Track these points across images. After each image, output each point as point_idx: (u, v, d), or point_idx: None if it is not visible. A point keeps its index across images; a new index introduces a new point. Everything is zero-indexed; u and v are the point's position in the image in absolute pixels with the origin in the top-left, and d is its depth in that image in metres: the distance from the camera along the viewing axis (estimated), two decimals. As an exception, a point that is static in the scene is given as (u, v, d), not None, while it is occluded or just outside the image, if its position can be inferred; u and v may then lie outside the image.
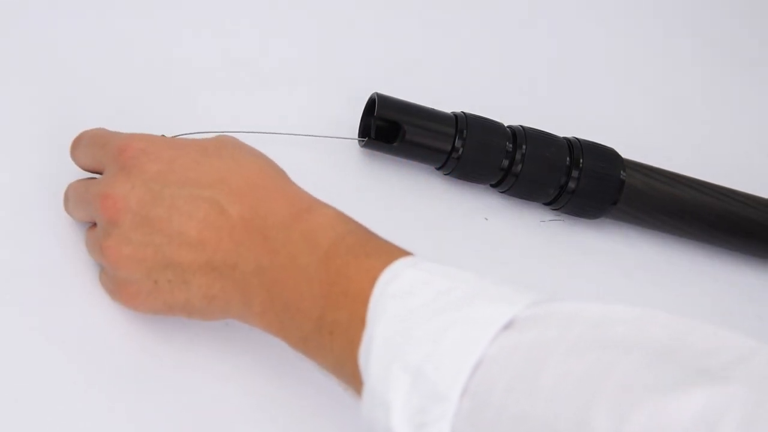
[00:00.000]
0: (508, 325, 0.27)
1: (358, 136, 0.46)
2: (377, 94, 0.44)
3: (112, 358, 0.37)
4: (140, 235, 0.33)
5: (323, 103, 0.47)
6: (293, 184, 0.35)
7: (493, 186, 0.47)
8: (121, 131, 0.36)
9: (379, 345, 0.28)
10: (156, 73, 0.45)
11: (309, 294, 0.31)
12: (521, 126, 0.47)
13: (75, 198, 0.37)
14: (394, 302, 0.29)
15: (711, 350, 0.25)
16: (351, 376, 0.30)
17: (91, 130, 0.37)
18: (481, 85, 0.53)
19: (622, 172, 0.47)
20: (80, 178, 0.38)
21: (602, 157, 0.47)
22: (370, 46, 0.52)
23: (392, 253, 0.31)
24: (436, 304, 0.28)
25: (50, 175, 0.39)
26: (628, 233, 0.52)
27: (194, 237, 0.33)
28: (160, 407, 0.37)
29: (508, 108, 0.49)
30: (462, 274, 0.30)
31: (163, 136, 0.37)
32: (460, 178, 0.47)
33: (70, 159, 0.38)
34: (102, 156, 0.35)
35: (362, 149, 0.46)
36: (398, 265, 0.30)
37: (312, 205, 0.34)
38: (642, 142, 0.54)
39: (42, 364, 0.36)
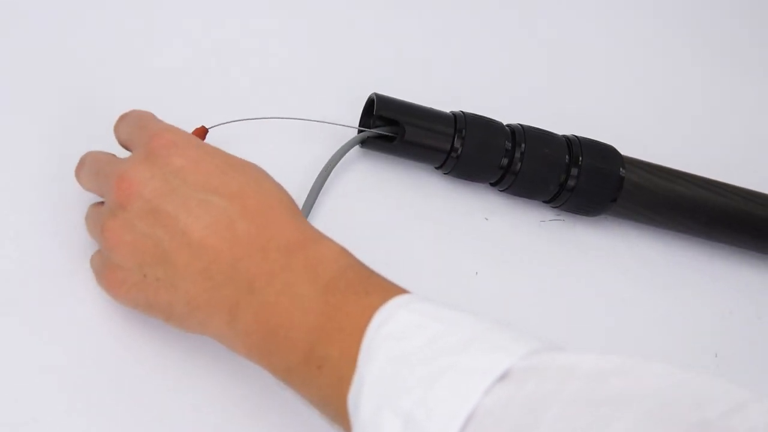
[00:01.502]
0: (504, 376, 0.26)
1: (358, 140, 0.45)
2: (376, 94, 0.44)
3: (113, 360, 0.37)
4: (145, 224, 0.33)
5: (322, 103, 0.47)
6: (305, 218, 0.35)
7: (493, 185, 0.47)
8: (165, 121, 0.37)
9: (370, 387, 0.28)
10: (156, 72, 0.45)
11: (302, 324, 0.31)
12: (520, 124, 0.47)
13: (92, 167, 0.36)
14: (387, 344, 0.28)
15: (706, 400, 0.24)
16: (336, 414, 0.30)
17: (140, 111, 0.37)
18: (479, 83, 0.53)
19: (621, 169, 0.47)
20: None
21: (601, 154, 0.47)
22: (369, 46, 0.52)
23: (390, 291, 0.31)
24: (430, 349, 0.28)
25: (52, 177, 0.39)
26: (627, 231, 0.52)
27: (196, 241, 0.32)
28: (159, 408, 0.37)
29: (507, 107, 0.49)
30: (457, 317, 0.29)
31: (199, 134, 0.38)
32: (460, 177, 0.47)
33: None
34: (137, 137, 0.35)
35: (361, 149, 0.46)
36: (392, 305, 0.30)
37: (318, 237, 0.33)
38: (641, 139, 0.54)
39: (43, 365, 0.36)
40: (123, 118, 0.37)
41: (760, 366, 0.49)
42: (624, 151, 0.49)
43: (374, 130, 0.44)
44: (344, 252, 0.33)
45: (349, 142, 0.44)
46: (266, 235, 0.32)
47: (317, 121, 0.45)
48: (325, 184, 0.44)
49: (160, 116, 0.38)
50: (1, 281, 0.37)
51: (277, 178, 0.41)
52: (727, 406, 0.24)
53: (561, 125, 0.48)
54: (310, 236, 0.33)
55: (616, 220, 0.51)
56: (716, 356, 0.49)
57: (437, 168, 0.46)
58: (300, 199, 0.43)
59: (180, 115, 0.43)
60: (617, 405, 0.24)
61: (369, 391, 0.28)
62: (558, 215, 0.50)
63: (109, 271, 0.34)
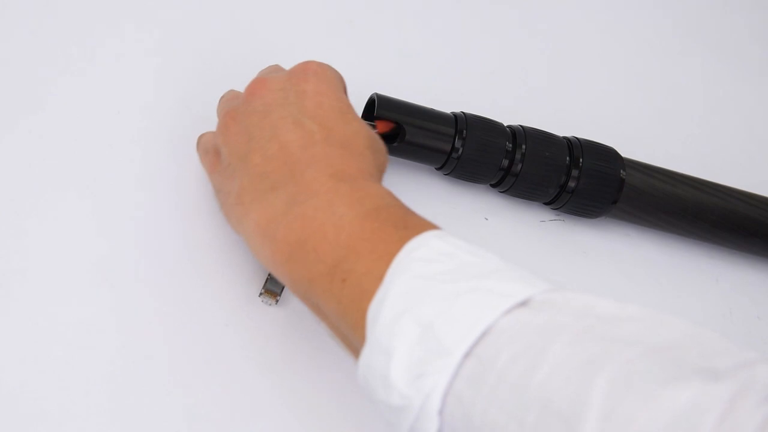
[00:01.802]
0: (524, 304, 0.28)
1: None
2: (377, 94, 0.44)
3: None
4: (250, 121, 0.37)
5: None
6: (375, 167, 0.37)
7: (493, 186, 0.48)
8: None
9: (394, 297, 0.29)
10: (156, 72, 0.46)
11: (333, 240, 0.32)
12: (521, 126, 0.47)
13: (232, 91, 0.42)
14: (416, 264, 0.29)
15: (714, 353, 0.25)
16: (352, 327, 0.31)
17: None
18: (480, 84, 0.53)
19: (621, 171, 0.47)
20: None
21: (602, 156, 0.47)
22: (369, 46, 0.52)
23: (427, 227, 0.32)
24: (458, 273, 0.29)
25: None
26: (628, 232, 0.52)
27: (273, 149, 0.35)
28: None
29: (507, 107, 0.49)
30: (486, 253, 0.31)
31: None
32: (460, 178, 0.47)
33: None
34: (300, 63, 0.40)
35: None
36: (427, 235, 0.31)
37: (373, 178, 0.36)
38: (641, 141, 0.54)
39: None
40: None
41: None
42: (624, 152, 0.49)
43: (374, 131, 0.44)
44: (392, 194, 0.35)
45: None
46: (329, 162, 0.35)
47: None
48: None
49: (158, 115, 0.39)
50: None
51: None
52: (736, 360, 0.25)
53: (561, 126, 0.48)
54: (367, 176, 0.35)
55: (616, 220, 0.51)
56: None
57: (438, 169, 0.46)
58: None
59: (179, 115, 0.44)
60: (627, 343, 0.25)
61: (392, 301, 0.29)
62: (558, 215, 0.50)
63: (211, 154, 0.39)
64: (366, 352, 0.29)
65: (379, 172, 0.37)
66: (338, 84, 0.39)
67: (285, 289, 0.41)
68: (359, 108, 0.46)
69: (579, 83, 0.57)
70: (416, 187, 0.48)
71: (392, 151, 0.45)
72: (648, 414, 0.23)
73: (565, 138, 0.48)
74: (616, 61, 0.60)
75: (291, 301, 0.41)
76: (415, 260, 0.30)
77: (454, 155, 0.45)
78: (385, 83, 0.46)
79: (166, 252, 0.41)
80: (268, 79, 0.38)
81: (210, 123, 0.42)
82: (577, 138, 0.48)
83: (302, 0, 0.52)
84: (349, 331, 0.31)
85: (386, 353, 0.28)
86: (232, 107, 0.38)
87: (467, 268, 0.29)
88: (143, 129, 0.44)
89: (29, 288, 0.38)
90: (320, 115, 0.36)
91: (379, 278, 0.30)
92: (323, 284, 0.32)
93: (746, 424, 0.22)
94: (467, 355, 0.27)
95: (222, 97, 0.42)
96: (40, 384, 0.36)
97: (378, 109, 0.43)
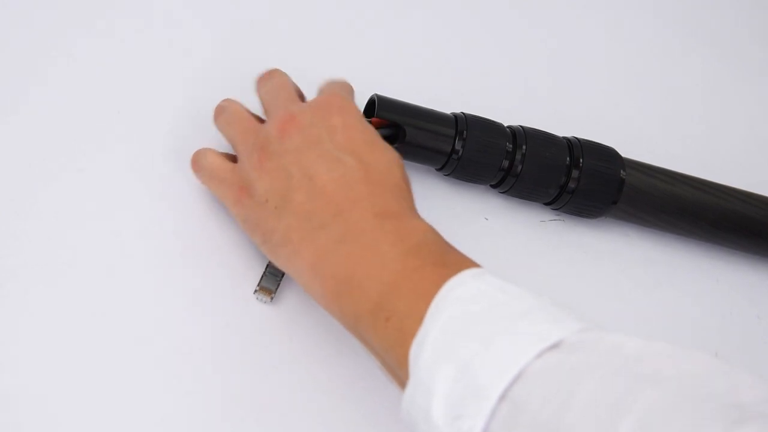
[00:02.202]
0: (556, 345, 0.29)
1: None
2: (377, 95, 0.44)
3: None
4: (288, 160, 0.37)
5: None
6: (412, 197, 0.39)
7: (494, 186, 0.48)
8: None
9: (434, 339, 0.30)
10: (156, 71, 0.46)
11: (377, 277, 0.34)
12: (521, 126, 0.47)
13: (240, 112, 0.41)
14: (454, 305, 0.31)
15: (740, 389, 0.26)
16: (398, 363, 0.32)
17: (343, 82, 0.43)
18: (480, 84, 0.53)
19: (622, 171, 0.47)
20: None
21: (602, 156, 0.47)
22: (369, 47, 0.52)
23: (466, 265, 0.34)
24: (493, 313, 0.30)
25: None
26: (628, 233, 0.52)
27: (318, 186, 0.36)
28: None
29: (507, 108, 0.49)
30: (521, 292, 0.32)
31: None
32: (461, 179, 0.47)
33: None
34: (323, 93, 0.41)
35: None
36: (465, 275, 0.32)
37: (415, 215, 0.38)
38: (641, 141, 0.54)
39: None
40: (333, 81, 0.43)
41: (760, 366, 0.49)
42: (624, 153, 0.49)
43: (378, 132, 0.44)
44: (433, 229, 0.36)
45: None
46: (373, 201, 0.36)
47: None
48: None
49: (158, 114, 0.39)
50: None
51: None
52: (763, 395, 0.25)
53: (561, 127, 0.48)
54: (408, 212, 0.37)
55: (616, 220, 0.51)
56: (716, 356, 0.49)
57: (438, 170, 0.46)
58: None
59: (178, 116, 0.44)
60: (654, 380, 0.26)
61: (432, 342, 0.30)
62: (558, 215, 0.50)
63: (239, 187, 0.39)
64: (410, 387, 0.31)
65: (412, 199, 0.39)
66: (357, 109, 0.40)
67: (280, 286, 0.41)
68: (359, 108, 0.46)
69: (579, 83, 0.57)
70: (416, 189, 0.47)
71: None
72: None
73: (565, 138, 0.48)
74: (616, 61, 0.60)
75: (286, 298, 0.41)
76: (453, 301, 0.31)
77: (455, 156, 0.45)
78: (384, 84, 0.46)
79: (161, 250, 0.41)
80: (297, 116, 0.39)
81: (208, 123, 0.42)
82: (577, 138, 0.48)
83: (302, 1, 0.52)
84: (395, 367, 0.33)
85: (428, 391, 0.30)
86: (262, 142, 0.39)
87: (503, 308, 0.31)
88: (141, 129, 0.44)
89: (28, 289, 0.38)
90: (354, 149, 0.38)
91: (419, 318, 0.31)
92: (369, 321, 0.34)
93: None
94: (502, 397, 0.28)
95: (224, 117, 0.42)
96: (39, 384, 0.36)
97: (378, 110, 0.43)
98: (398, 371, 0.33)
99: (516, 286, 0.32)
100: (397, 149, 0.44)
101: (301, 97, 0.43)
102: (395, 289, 0.33)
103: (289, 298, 0.41)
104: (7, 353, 0.36)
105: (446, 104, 0.46)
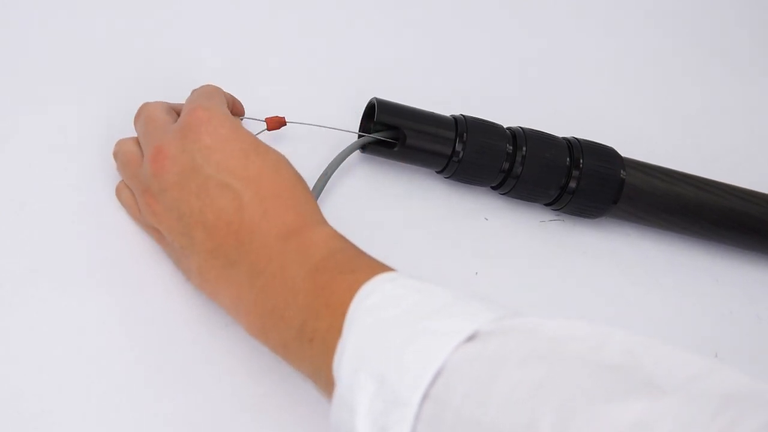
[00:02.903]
0: (471, 338, 0.28)
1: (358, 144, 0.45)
2: (376, 99, 0.44)
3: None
4: (171, 198, 0.36)
5: (322, 107, 0.47)
6: (310, 197, 0.37)
7: (494, 188, 0.47)
8: (214, 98, 0.39)
9: (350, 353, 0.29)
10: (159, 71, 0.46)
11: (293, 303, 0.33)
12: (520, 127, 0.46)
13: (144, 126, 0.39)
14: (368, 314, 0.30)
15: (663, 368, 0.25)
16: (326, 383, 0.31)
17: (210, 86, 0.41)
18: (479, 86, 0.53)
19: (622, 171, 0.47)
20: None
21: (602, 156, 0.47)
22: (369, 50, 0.52)
23: (376, 269, 0.33)
24: (406, 317, 0.29)
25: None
26: (628, 232, 0.52)
27: (210, 222, 0.35)
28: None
29: (507, 108, 0.49)
30: (435, 290, 0.31)
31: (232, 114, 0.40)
32: (461, 181, 0.47)
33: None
34: (187, 104, 0.39)
35: (362, 155, 0.46)
36: (377, 281, 0.31)
37: (316, 223, 0.36)
38: (641, 141, 0.54)
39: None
40: (194, 90, 0.40)
41: (760, 366, 0.49)
42: (624, 152, 0.49)
43: (375, 136, 0.44)
44: (336, 236, 0.35)
45: (348, 147, 0.44)
46: (270, 222, 0.35)
47: (320, 126, 0.45)
48: (326, 188, 0.44)
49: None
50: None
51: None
52: (685, 373, 0.25)
53: (561, 127, 0.48)
54: (309, 222, 0.36)
55: (615, 220, 0.51)
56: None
57: (438, 172, 0.46)
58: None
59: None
60: (572, 362, 0.26)
61: (348, 356, 0.29)
62: (558, 216, 0.50)
63: (153, 230, 0.39)
64: (334, 406, 0.30)
65: (307, 192, 0.37)
66: (227, 115, 0.37)
67: None
68: (359, 112, 0.46)
69: (578, 84, 0.57)
70: (417, 191, 0.48)
71: (393, 156, 0.45)
72: None
73: (564, 139, 0.48)
74: (615, 61, 0.60)
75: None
76: (366, 309, 0.30)
77: (455, 159, 0.44)
78: (383, 87, 0.46)
79: (161, 252, 0.41)
80: (164, 146, 0.36)
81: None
82: (576, 138, 0.48)
83: (300, 2, 0.52)
84: (326, 387, 0.32)
85: (350, 409, 0.29)
86: (144, 185, 0.37)
87: (415, 310, 0.30)
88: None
89: (27, 289, 0.38)
90: (236, 166, 0.35)
91: (339, 333, 0.30)
92: (295, 347, 0.33)
93: None
94: (424, 397, 0.27)
95: (118, 161, 0.40)
96: (38, 385, 0.36)
97: (378, 113, 0.43)
98: (328, 392, 0.32)
99: (431, 283, 0.32)
100: (397, 153, 0.44)
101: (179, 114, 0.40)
102: (312, 310, 0.32)
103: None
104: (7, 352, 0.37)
105: (445, 106, 0.46)
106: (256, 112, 0.44)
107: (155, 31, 0.47)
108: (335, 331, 0.31)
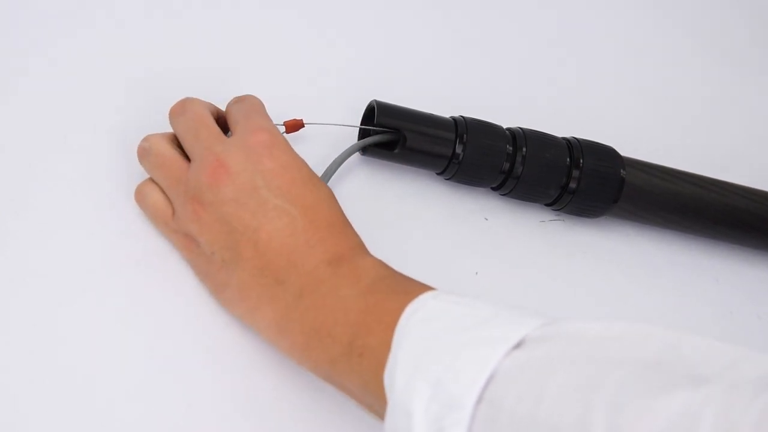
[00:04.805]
0: (519, 344, 0.30)
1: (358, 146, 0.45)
2: (376, 101, 0.44)
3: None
4: (226, 211, 0.36)
5: (321, 109, 0.47)
6: (355, 231, 0.39)
7: (494, 189, 0.47)
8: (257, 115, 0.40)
9: (404, 362, 0.31)
10: (157, 71, 0.46)
11: (343, 320, 0.34)
12: (520, 128, 0.46)
13: (165, 155, 0.39)
14: (418, 327, 0.32)
15: (700, 359, 0.27)
16: (375, 396, 0.33)
17: (254, 99, 0.41)
18: (478, 87, 0.53)
19: (622, 170, 0.47)
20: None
21: (602, 156, 0.47)
22: (367, 52, 0.51)
23: (424, 290, 0.34)
24: (455, 327, 0.31)
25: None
26: (628, 232, 0.52)
27: (263, 240, 0.36)
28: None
29: (505, 109, 0.49)
30: (476, 303, 0.33)
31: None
32: (462, 183, 0.46)
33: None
34: (241, 124, 0.39)
35: (363, 157, 0.46)
36: (423, 298, 0.33)
37: (364, 253, 0.38)
38: (640, 140, 0.54)
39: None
40: (239, 100, 0.41)
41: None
42: (623, 151, 0.49)
43: (375, 138, 0.44)
44: (383, 264, 0.37)
45: (348, 149, 0.44)
46: (322, 249, 0.36)
47: (335, 125, 0.45)
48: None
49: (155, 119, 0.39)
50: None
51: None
52: (722, 361, 0.27)
53: (560, 127, 0.48)
54: (358, 252, 0.38)
55: (615, 220, 0.51)
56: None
57: (439, 174, 0.46)
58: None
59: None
60: (617, 362, 0.28)
61: (402, 366, 0.31)
62: (558, 216, 0.50)
63: (181, 235, 0.39)
64: (389, 414, 0.31)
65: (354, 233, 0.39)
66: (285, 141, 0.39)
67: None
68: (358, 113, 0.46)
69: (576, 83, 0.57)
70: (417, 193, 0.47)
71: (393, 158, 0.44)
72: (646, 424, 0.25)
73: (564, 139, 0.47)
74: (613, 60, 0.60)
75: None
76: (416, 323, 0.32)
77: (455, 160, 0.44)
78: (383, 89, 0.46)
79: (163, 252, 0.40)
80: (226, 161, 0.37)
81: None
82: (576, 138, 0.48)
83: (298, 4, 0.51)
84: (373, 400, 0.34)
85: (407, 414, 0.30)
86: (194, 192, 0.37)
87: (463, 320, 0.32)
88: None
89: (27, 290, 0.38)
90: (293, 194, 0.37)
91: (389, 346, 0.32)
92: (343, 363, 0.34)
93: (742, 420, 0.24)
94: (478, 401, 0.29)
95: (149, 160, 0.39)
96: (40, 385, 0.36)
97: (378, 116, 0.43)
98: (378, 404, 0.33)
99: (472, 298, 0.33)
100: (398, 155, 0.44)
101: (220, 119, 0.41)
102: (363, 326, 0.34)
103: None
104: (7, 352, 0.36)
105: (445, 108, 0.46)
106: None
107: (156, 31, 0.47)
108: (386, 346, 0.32)
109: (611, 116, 0.56)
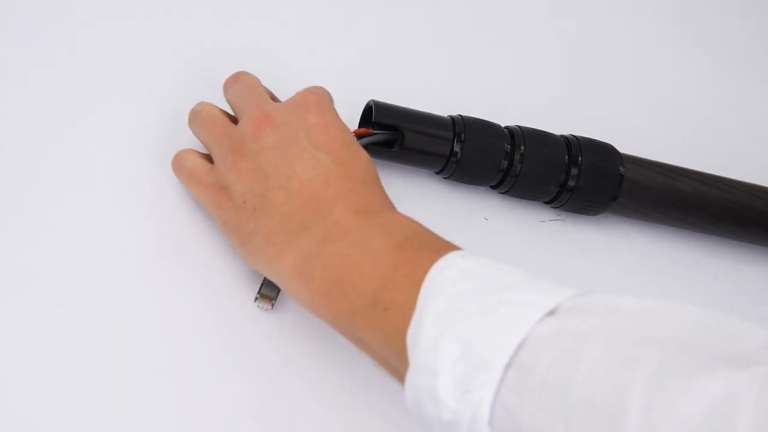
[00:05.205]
0: (553, 312, 0.29)
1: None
2: (373, 101, 0.44)
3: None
4: (264, 159, 0.37)
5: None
6: (391, 201, 0.39)
7: (493, 187, 0.47)
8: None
9: (431, 319, 0.30)
10: (156, 71, 0.46)
11: (370, 273, 0.34)
12: (518, 126, 0.46)
13: (214, 115, 0.40)
14: (446, 285, 0.31)
15: (738, 339, 0.27)
16: (397, 354, 0.32)
17: (322, 88, 0.42)
18: (475, 86, 0.53)
19: (620, 167, 0.47)
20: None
21: (600, 153, 0.47)
22: (365, 52, 0.52)
23: (452, 249, 0.34)
24: (487, 288, 0.31)
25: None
26: (628, 230, 0.52)
27: (296, 187, 0.36)
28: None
29: (503, 107, 0.49)
30: (506, 267, 0.32)
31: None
32: (460, 181, 0.46)
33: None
34: (298, 94, 0.40)
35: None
36: (452, 256, 0.33)
37: (394, 208, 0.38)
38: (638, 137, 0.54)
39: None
40: (311, 86, 0.41)
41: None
42: (622, 148, 0.49)
43: (373, 138, 0.44)
44: (417, 222, 0.37)
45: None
46: (353, 199, 0.36)
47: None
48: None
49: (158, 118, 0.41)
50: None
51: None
52: (761, 342, 0.27)
53: (558, 125, 0.48)
54: (389, 207, 0.38)
55: (615, 219, 0.51)
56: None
57: (437, 173, 0.46)
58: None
59: (184, 116, 0.44)
60: (654, 341, 0.27)
61: (429, 323, 0.30)
62: (558, 215, 0.50)
63: (217, 189, 0.39)
64: (412, 373, 0.30)
65: (383, 190, 0.39)
66: (334, 109, 0.40)
67: (280, 293, 0.41)
68: (356, 114, 0.46)
69: (574, 81, 0.57)
70: (416, 192, 0.47)
71: (391, 157, 0.44)
72: (686, 404, 0.24)
73: (562, 136, 0.47)
74: (611, 57, 0.60)
75: (286, 305, 0.41)
76: (444, 281, 0.31)
77: (454, 159, 0.44)
78: (380, 88, 0.46)
79: (161, 257, 0.41)
80: (272, 114, 0.38)
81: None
82: (574, 136, 0.48)
83: (296, 4, 0.52)
84: (395, 357, 0.33)
85: (432, 372, 0.29)
86: (236, 143, 0.38)
87: (495, 282, 0.31)
88: (137, 130, 0.44)
89: (28, 290, 0.38)
90: (332, 149, 0.38)
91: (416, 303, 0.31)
92: (365, 316, 0.33)
93: None
94: (508, 366, 0.28)
95: (198, 120, 0.41)
96: (41, 385, 0.36)
97: (376, 115, 0.43)
98: (398, 362, 0.32)
99: (503, 263, 0.33)
100: (396, 154, 0.44)
101: (274, 99, 0.42)
102: (391, 281, 0.33)
103: (290, 305, 0.41)
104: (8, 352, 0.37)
105: (443, 107, 0.46)
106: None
107: (156, 28, 0.48)
108: (413, 303, 0.31)
109: (610, 116, 0.56)
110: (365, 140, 0.44)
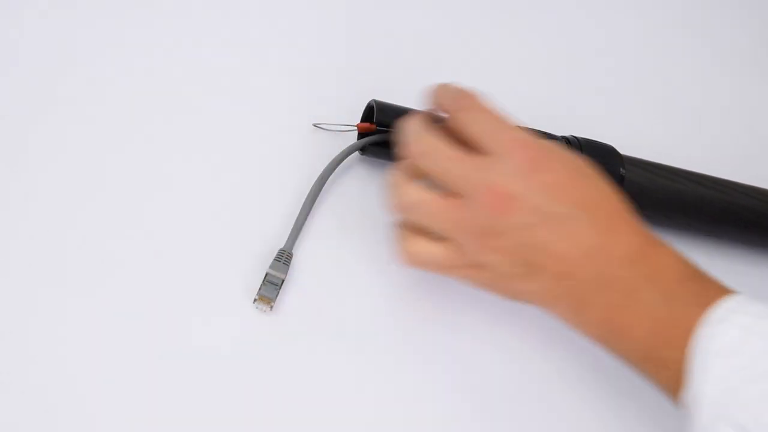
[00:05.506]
0: None
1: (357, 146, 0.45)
2: (375, 101, 0.44)
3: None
4: (519, 235, 0.37)
5: (320, 110, 0.47)
6: (631, 209, 0.39)
7: (493, 187, 0.47)
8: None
9: (709, 401, 0.32)
10: (156, 71, 0.46)
11: (643, 326, 0.36)
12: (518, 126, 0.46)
13: (433, 202, 0.38)
14: (717, 362, 0.33)
15: None
16: (667, 393, 0.36)
17: (476, 96, 0.40)
18: (476, 85, 0.53)
19: (621, 168, 0.47)
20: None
21: (601, 154, 0.47)
22: (365, 51, 0.52)
23: (721, 295, 0.36)
24: (757, 368, 0.32)
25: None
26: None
27: (558, 253, 0.37)
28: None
29: (505, 108, 0.49)
30: None
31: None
32: (460, 182, 0.46)
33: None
34: (493, 136, 0.38)
35: (362, 156, 0.46)
36: (722, 325, 0.34)
37: (656, 243, 0.38)
38: (639, 138, 0.53)
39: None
40: (463, 96, 0.40)
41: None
42: (622, 149, 0.49)
43: (373, 138, 0.44)
44: (681, 258, 0.38)
45: (347, 148, 0.44)
46: (611, 244, 0.37)
47: (325, 124, 0.45)
48: (324, 190, 0.44)
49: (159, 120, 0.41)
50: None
51: (275, 183, 0.42)
52: None
53: (558, 125, 0.48)
54: (650, 242, 0.38)
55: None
56: None
57: (437, 173, 0.46)
58: (297, 205, 0.43)
59: (186, 116, 0.44)
60: None
61: (707, 404, 0.32)
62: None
63: (473, 269, 0.39)
64: None
65: (625, 203, 0.39)
66: (553, 145, 0.39)
67: (279, 295, 0.41)
68: (356, 114, 0.46)
69: (575, 82, 0.57)
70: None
71: (392, 157, 0.44)
72: None
73: (563, 137, 0.47)
74: (612, 58, 0.60)
75: (285, 307, 0.41)
76: (714, 356, 0.33)
77: (454, 159, 0.44)
78: (381, 88, 0.46)
79: (160, 258, 0.41)
80: (500, 187, 0.37)
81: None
82: (575, 136, 0.48)
83: (298, 4, 0.52)
84: (665, 391, 0.36)
85: None
86: (482, 228, 0.37)
87: (763, 360, 0.32)
88: (141, 134, 0.44)
89: (29, 290, 0.38)
90: (570, 197, 0.37)
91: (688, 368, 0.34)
92: (641, 366, 0.37)
93: None
94: None
95: (419, 211, 0.39)
96: (42, 385, 0.36)
97: (377, 115, 0.43)
98: (663, 389, 0.36)
99: None
100: (396, 154, 0.44)
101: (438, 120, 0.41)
102: (661, 338, 0.35)
103: (288, 307, 0.41)
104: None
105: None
106: (255, 112, 0.44)
107: (156, 34, 0.47)
108: (682, 362, 0.34)
109: (611, 117, 0.56)
110: (365, 140, 0.44)
